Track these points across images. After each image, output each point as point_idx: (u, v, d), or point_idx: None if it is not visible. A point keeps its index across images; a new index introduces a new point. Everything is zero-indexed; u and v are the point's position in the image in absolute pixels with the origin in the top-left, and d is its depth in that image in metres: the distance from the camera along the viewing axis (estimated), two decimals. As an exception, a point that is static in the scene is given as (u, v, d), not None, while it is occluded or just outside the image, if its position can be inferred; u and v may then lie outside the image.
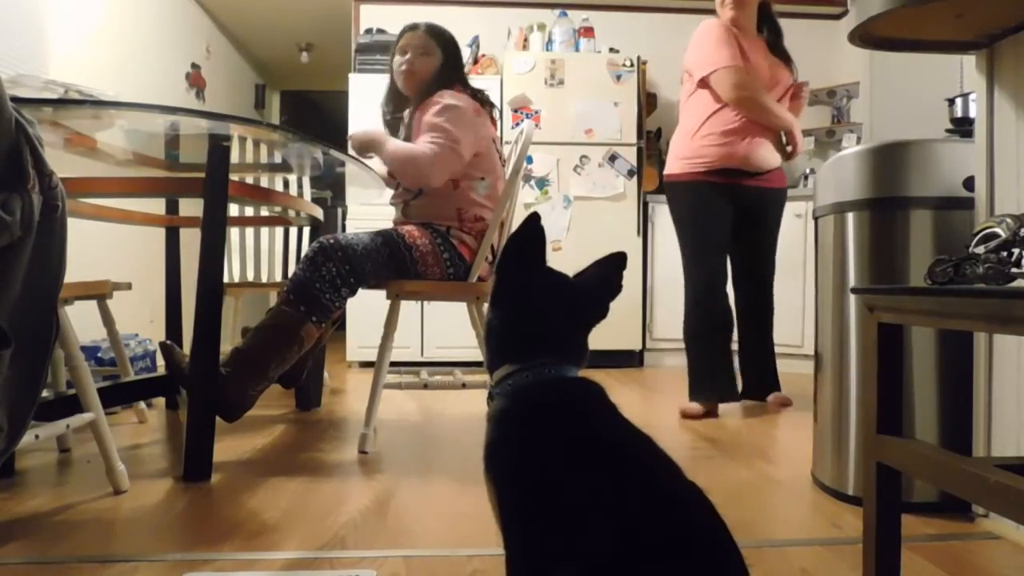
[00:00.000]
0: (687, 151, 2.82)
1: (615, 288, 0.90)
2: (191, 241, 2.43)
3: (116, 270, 2.67)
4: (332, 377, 3.69)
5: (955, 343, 1.59)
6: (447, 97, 2.31)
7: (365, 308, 3.82)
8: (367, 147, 2.36)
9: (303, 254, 2.18)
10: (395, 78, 2.45)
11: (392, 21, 4.77)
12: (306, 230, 3.52)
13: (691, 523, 0.71)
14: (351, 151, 2.38)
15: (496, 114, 2.52)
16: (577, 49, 4.58)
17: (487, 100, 2.45)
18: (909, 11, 1.32)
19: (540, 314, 0.86)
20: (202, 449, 1.85)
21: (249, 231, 3.56)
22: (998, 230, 1.02)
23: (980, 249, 1.03)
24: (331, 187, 3.32)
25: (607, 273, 0.90)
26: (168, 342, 2.04)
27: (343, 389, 3.54)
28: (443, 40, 2.42)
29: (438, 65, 2.40)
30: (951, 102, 2.14)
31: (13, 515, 1.56)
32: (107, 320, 2.33)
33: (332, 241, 2.13)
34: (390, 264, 2.20)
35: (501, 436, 0.81)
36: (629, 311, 4.39)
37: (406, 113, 2.48)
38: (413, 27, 2.44)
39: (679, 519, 0.70)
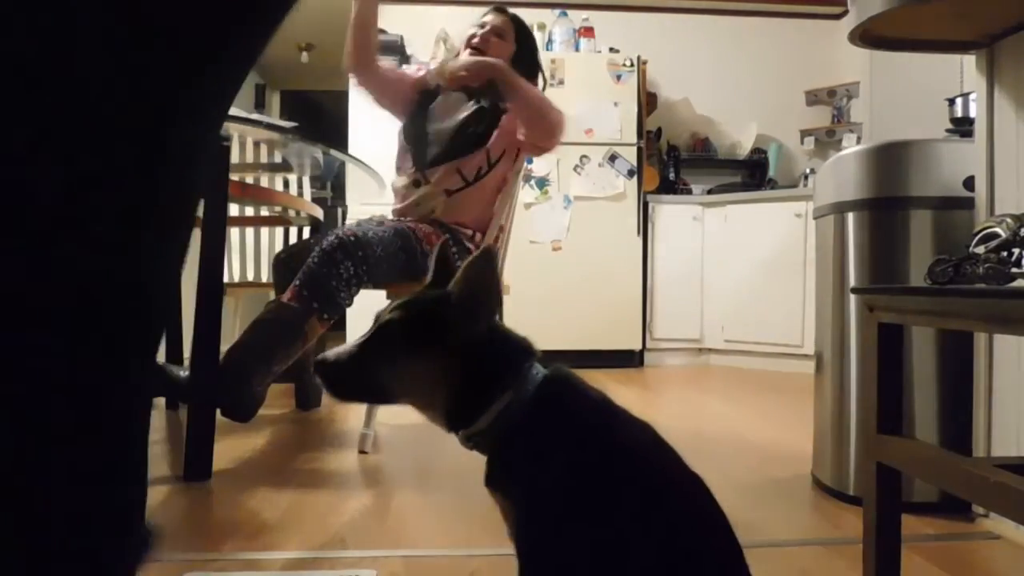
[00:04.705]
0: None
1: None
2: (191, 241, 2.43)
3: (116, 270, 2.66)
4: (332, 377, 3.68)
5: (955, 343, 1.59)
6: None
7: (365, 308, 3.80)
8: (488, 72, 2.15)
9: (318, 247, 2.00)
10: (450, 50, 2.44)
11: (392, 21, 4.77)
12: (306, 230, 3.52)
13: (688, 515, 0.71)
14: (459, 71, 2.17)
15: None
16: (577, 49, 4.58)
17: None
18: (909, 11, 1.33)
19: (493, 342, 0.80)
20: (202, 449, 1.85)
21: (249, 231, 3.55)
22: (998, 230, 1.02)
23: (980, 249, 1.03)
24: (334, 187, 3.31)
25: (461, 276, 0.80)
26: (160, 363, 2.00)
27: (343, 389, 3.53)
28: (523, 32, 2.40)
29: (510, 53, 2.35)
30: (951, 102, 2.14)
31: (13, 515, 1.56)
32: (107, 320, 2.32)
33: (352, 239, 1.98)
34: (405, 268, 2.14)
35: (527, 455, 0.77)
36: (629, 311, 4.39)
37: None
38: (500, 9, 2.41)
39: (678, 512, 0.71)
